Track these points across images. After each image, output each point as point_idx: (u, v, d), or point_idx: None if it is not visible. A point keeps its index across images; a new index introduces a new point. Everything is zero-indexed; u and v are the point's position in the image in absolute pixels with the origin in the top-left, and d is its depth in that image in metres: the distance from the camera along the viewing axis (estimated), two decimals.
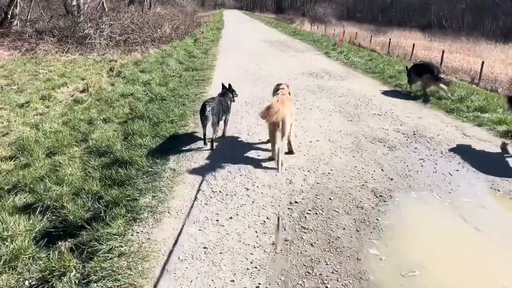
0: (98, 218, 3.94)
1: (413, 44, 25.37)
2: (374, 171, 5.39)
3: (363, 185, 4.97)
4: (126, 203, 4.22)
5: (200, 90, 9.20)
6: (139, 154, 5.40)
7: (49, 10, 25.90)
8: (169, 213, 4.19)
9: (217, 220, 4.09)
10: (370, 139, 6.62)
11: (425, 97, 9.57)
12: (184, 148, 5.93)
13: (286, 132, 5.18)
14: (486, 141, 6.72)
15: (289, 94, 5.99)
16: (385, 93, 10.08)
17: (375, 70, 12.90)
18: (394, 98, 9.56)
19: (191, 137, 6.40)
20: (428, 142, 6.60)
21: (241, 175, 5.12)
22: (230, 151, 5.90)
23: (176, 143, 6.07)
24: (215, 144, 6.00)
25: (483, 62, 16.56)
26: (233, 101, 6.92)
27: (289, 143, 5.71)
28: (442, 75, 9.52)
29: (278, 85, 6.13)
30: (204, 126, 5.81)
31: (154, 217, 4.09)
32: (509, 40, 38.37)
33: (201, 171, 5.18)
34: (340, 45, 20.83)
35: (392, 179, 5.17)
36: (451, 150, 6.27)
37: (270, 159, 5.64)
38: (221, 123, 6.31)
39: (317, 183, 4.96)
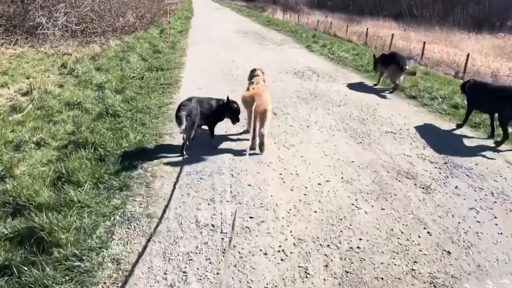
0: None
1: (392, 35, 24.00)
2: (419, 236, 3.64)
3: (413, 269, 3.19)
4: None
5: (166, 100, 7.17)
6: (66, 225, 3.37)
7: None
8: None
9: None
10: (393, 173, 4.87)
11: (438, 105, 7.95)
12: (132, 225, 3.60)
13: (269, 121, 5.04)
14: None
15: (264, 81, 5.84)
16: (389, 99, 8.38)
17: (367, 68, 11.16)
18: (401, 105, 7.87)
19: (148, 193, 4.16)
20: (467, 176, 4.92)
21: None
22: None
23: (123, 206, 3.91)
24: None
25: (468, 55, 15.26)
26: (235, 121, 5.38)
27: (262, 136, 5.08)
28: (407, 66, 8.90)
29: (253, 71, 5.99)
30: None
31: None
32: (482, 29, 37.75)
33: None
34: (318, 35, 19.08)
35: (449, 253, 3.44)
36: (504, 188, 4.63)
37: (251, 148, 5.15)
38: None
39: (346, 271, 3.12)
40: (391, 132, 6.28)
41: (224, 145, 5.45)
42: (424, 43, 20.71)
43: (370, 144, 5.75)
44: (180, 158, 4.88)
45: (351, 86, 9.16)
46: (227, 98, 5.23)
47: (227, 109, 5.21)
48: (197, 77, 9.03)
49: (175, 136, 5.50)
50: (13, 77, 11.89)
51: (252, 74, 5.88)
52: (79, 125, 6.15)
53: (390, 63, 8.92)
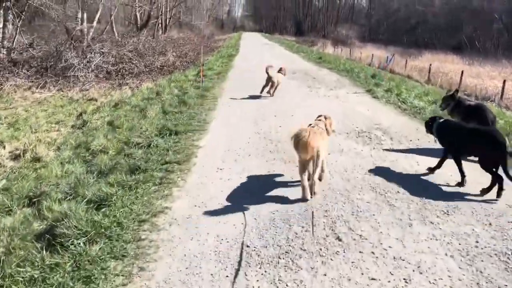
0: None
1: (462, 72, 20.37)
2: None
3: None
4: None
5: (155, 205, 4.30)
6: None
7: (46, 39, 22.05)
8: None
9: None
10: None
11: None
12: None
13: (319, 166, 4.51)
14: None
15: (326, 128, 5.07)
16: None
17: None
18: None
19: None
20: None
21: None
22: None
23: None
24: None
25: None
26: None
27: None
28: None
29: (319, 116, 5.41)
30: None
31: None
32: None
33: None
34: (378, 75, 15.97)
35: None
36: None
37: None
38: None
39: None
40: None
41: None
42: (505, 81, 16.90)
43: None
44: None
45: (447, 165, 5.96)
46: None
47: None
48: (222, 146, 6.25)
49: None
50: (19, 131, 9.81)
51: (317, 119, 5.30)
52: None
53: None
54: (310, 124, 4.94)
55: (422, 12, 57.46)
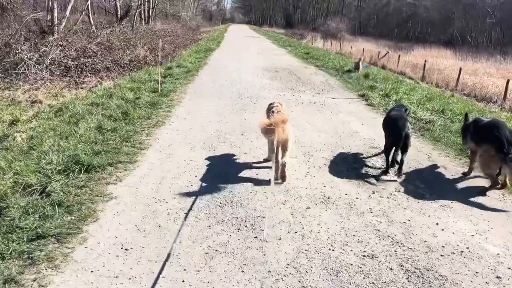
0: None
1: (460, 69, 18.44)
2: None
3: None
4: None
5: None
6: None
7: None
8: None
9: None
10: None
11: None
12: None
13: (289, 149, 4.63)
14: None
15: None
16: None
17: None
18: None
19: None
20: None
21: None
22: None
23: None
24: None
25: None
26: None
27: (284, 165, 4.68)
28: None
29: (271, 104, 5.44)
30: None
31: None
32: None
33: None
34: (364, 70, 13.84)
35: None
36: None
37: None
38: None
39: None
40: None
41: None
42: (508, 81, 14.91)
43: None
44: None
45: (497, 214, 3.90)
46: None
47: None
48: (143, 202, 4.07)
49: None
50: None
51: (270, 107, 5.33)
52: None
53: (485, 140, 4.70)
54: (272, 112, 5.06)
55: (413, 5, 55.34)
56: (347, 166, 5.25)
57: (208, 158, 5.24)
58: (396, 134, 4.87)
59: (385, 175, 4.96)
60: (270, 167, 4.45)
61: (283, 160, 4.57)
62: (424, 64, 20.97)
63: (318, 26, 56.17)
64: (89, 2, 26.91)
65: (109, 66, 15.66)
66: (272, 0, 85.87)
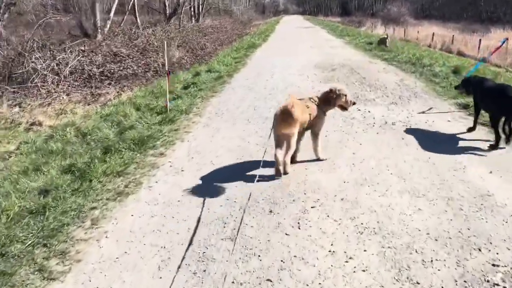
0: None
1: None
2: None
3: None
4: None
5: None
6: None
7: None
8: None
9: None
10: None
11: None
12: None
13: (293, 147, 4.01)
14: None
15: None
16: None
17: None
18: None
19: None
20: None
21: None
22: None
23: None
24: None
25: None
26: None
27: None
28: None
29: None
30: None
31: None
32: None
33: None
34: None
35: None
36: None
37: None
38: None
39: None
40: None
41: None
42: None
43: None
44: None
45: None
46: None
47: None
48: None
49: None
50: None
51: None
52: None
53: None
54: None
55: None
56: None
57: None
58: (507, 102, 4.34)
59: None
60: None
61: (285, 159, 3.96)
62: None
63: (377, 12, 50.84)
64: (133, 1, 25.05)
65: (137, 71, 13.35)
66: None
